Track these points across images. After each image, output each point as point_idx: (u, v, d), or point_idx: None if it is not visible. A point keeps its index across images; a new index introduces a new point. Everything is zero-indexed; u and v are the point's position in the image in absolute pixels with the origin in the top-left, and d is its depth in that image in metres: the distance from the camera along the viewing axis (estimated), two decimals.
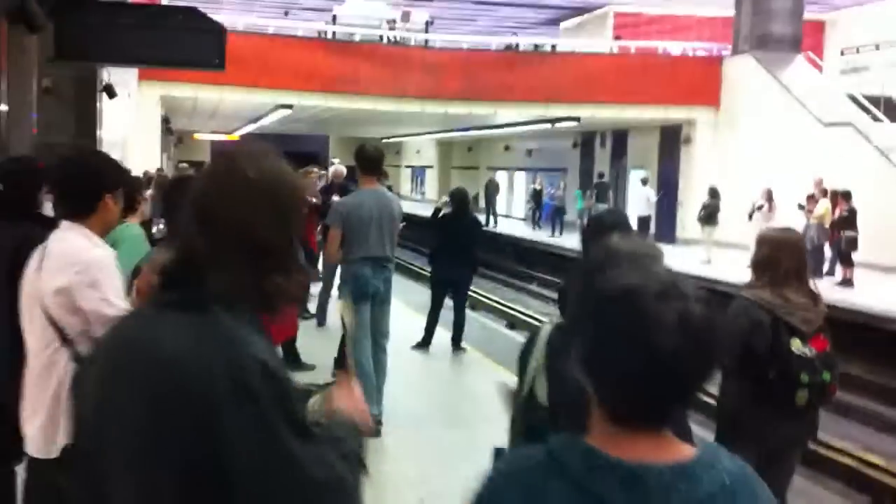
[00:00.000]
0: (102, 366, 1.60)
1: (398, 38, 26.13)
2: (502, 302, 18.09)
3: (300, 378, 1.89)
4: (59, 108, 10.54)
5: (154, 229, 5.84)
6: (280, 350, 5.11)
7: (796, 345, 3.91)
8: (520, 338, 12.81)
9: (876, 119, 21.21)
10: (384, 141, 42.78)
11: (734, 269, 17.35)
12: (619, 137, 29.16)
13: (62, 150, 5.75)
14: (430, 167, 45.87)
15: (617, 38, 28.09)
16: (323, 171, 12.91)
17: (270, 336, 1.64)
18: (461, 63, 24.43)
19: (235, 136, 35.63)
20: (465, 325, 10.25)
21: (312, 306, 10.57)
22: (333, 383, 1.88)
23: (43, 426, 3.00)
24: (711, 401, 4.27)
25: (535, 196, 28.59)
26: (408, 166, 50.64)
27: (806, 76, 23.29)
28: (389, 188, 8.40)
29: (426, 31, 27.82)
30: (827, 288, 11.22)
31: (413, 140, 42.24)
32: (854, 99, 22.22)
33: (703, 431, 4.76)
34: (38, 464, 3.05)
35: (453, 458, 6.03)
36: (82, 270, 2.96)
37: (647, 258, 1.41)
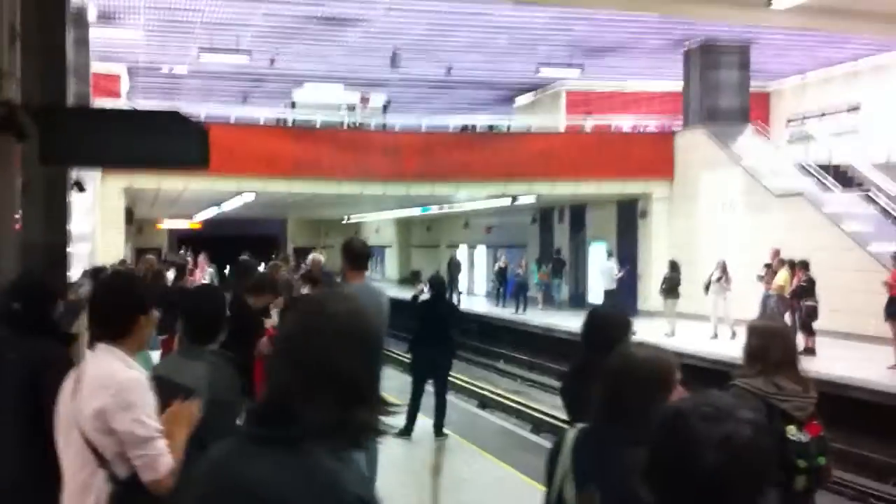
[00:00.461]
0: (205, 492, 1.73)
1: (358, 123, 26.52)
2: (471, 381, 18.15)
3: None
4: (31, 204, 10.59)
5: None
6: None
7: (791, 431, 4.01)
8: (500, 421, 12.85)
9: (826, 188, 21.84)
10: (343, 222, 42.98)
11: (698, 340, 17.70)
12: (578, 212, 29.64)
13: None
14: (390, 246, 46.09)
15: (588, 113, 28.41)
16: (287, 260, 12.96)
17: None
18: (420, 144, 24.87)
19: (197, 224, 35.70)
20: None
21: None
22: None
23: None
24: None
25: (500, 274, 28.95)
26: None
27: (755, 147, 23.97)
28: None
29: (384, 114, 28.28)
30: None
31: (372, 219, 42.51)
32: (805, 168, 22.83)
33: None
34: None
35: None
36: (116, 393, 3.05)
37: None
